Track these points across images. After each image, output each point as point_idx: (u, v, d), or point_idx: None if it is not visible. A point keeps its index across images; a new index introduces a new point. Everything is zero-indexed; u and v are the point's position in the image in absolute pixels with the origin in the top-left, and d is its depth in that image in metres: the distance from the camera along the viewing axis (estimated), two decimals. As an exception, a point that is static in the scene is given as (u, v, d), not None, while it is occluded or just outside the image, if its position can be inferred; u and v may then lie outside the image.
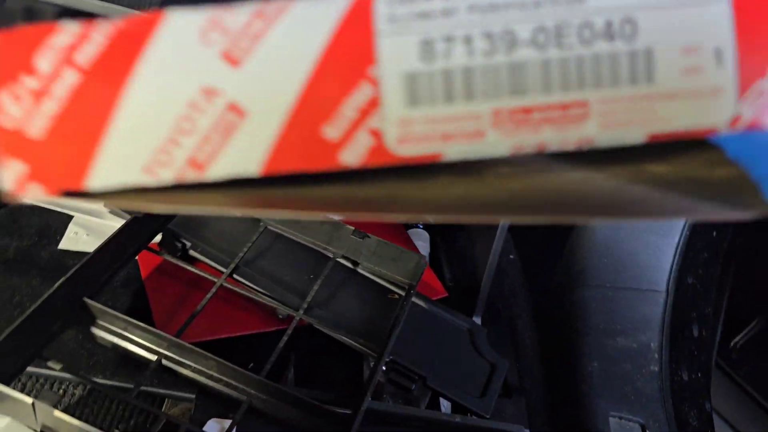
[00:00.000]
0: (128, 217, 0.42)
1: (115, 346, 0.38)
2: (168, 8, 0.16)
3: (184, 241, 0.45)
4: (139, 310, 0.43)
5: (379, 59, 0.15)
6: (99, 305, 0.37)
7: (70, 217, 0.49)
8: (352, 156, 0.15)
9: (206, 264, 0.44)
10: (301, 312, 0.41)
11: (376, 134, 0.15)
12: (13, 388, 0.34)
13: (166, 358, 0.37)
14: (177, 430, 0.35)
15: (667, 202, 0.18)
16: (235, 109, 0.15)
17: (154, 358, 0.37)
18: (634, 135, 0.15)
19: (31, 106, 0.16)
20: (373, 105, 0.15)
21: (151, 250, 0.43)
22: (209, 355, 0.36)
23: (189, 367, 0.37)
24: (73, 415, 0.33)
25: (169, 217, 0.44)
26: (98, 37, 0.15)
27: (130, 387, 0.36)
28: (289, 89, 0.15)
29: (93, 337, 0.38)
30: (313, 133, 0.15)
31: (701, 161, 0.19)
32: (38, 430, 0.35)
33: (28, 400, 0.33)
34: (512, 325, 0.49)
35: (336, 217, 0.48)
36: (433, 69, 0.15)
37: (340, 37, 0.15)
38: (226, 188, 0.16)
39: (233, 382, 0.37)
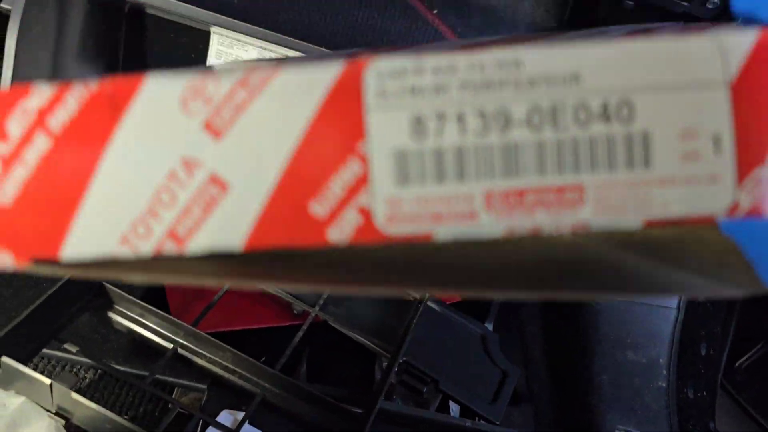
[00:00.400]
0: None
1: (131, 332, 0.38)
2: (148, 73, 0.15)
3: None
4: (155, 298, 0.43)
5: (368, 135, 0.15)
6: (117, 290, 0.37)
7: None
8: (340, 234, 0.15)
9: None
10: (317, 308, 0.41)
11: (364, 212, 0.15)
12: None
13: (182, 346, 0.37)
14: (188, 420, 0.35)
15: (659, 275, 0.18)
16: (217, 181, 0.15)
17: (169, 345, 0.37)
18: (631, 220, 0.15)
19: (0, 171, 0.15)
20: (361, 182, 0.15)
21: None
22: (225, 345, 0.36)
23: (204, 357, 0.37)
24: (87, 398, 0.33)
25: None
26: (72, 101, 0.15)
27: (144, 374, 0.36)
28: (274, 163, 0.15)
29: (108, 322, 0.39)
30: (299, 209, 0.15)
31: (695, 232, 0.19)
32: (53, 411, 0.35)
33: (46, 381, 0.33)
34: (522, 332, 0.49)
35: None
36: (423, 147, 0.15)
37: (327, 110, 0.15)
38: (207, 259, 0.16)
39: (247, 374, 0.37)
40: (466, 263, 0.18)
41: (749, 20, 0.15)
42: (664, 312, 0.47)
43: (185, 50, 0.48)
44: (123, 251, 0.15)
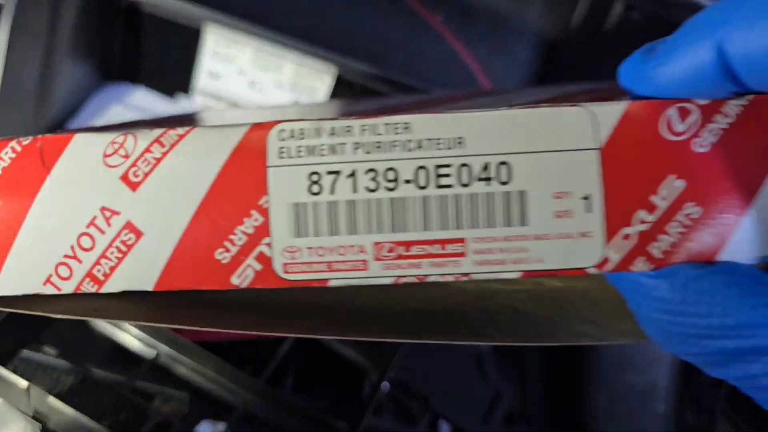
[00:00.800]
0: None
1: (112, 337, 0.37)
2: (77, 131, 0.17)
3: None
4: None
5: (269, 190, 0.16)
6: (100, 293, 0.36)
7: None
8: (242, 279, 0.16)
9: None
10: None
11: (264, 260, 0.16)
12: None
13: (164, 353, 0.36)
14: (169, 429, 0.34)
15: (552, 324, 0.19)
16: (132, 229, 0.16)
17: (151, 352, 0.36)
18: (509, 272, 0.16)
19: None
20: (262, 233, 0.16)
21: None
22: (209, 354, 0.35)
23: (186, 365, 0.36)
24: (65, 403, 0.32)
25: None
26: (6, 155, 0.17)
27: (124, 380, 0.35)
28: (183, 213, 0.16)
29: (90, 325, 0.38)
30: (205, 255, 0.16)
31: (589, 281, 0.21)
32: (30, 414, 0.34)
33: (24, 383, 0.32)
34: (519, 349, 0.48)
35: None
36: (319, 201, 0.16)
37: (233, 167, 0.16)
38: (124, 299, 0.17)
39: (230, 385, 0.36)
40: (362, 309, 0.19)
41: (630, 92, 0.17)
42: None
43: (180, 49, 0.47)
44: (47, 290, 0.17)
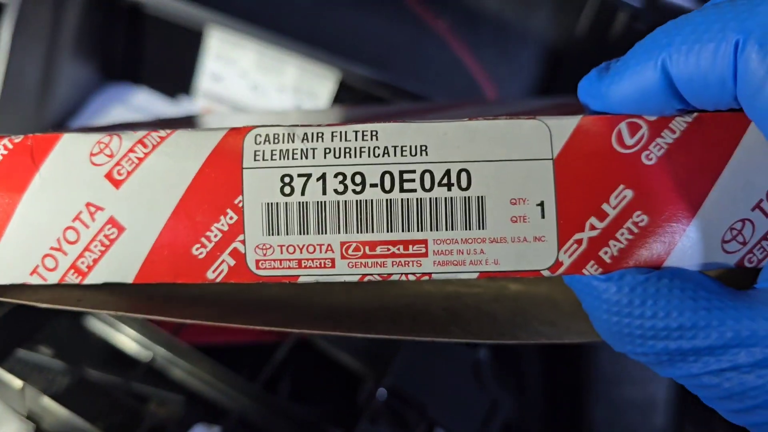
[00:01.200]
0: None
1: (109, 338, 0.37)
2: (66, 131, 0.18)
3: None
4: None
5: (243, 190, 0.17)
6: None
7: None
8: (217, 274, 0.17)
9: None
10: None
11: (238, 256, 0.17)
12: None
13: (160, 355, 0.36)
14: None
15: (514, 323, 0.20)
16: (115, 224, 0.17)
17: (147, 354, 0.36)
18: (467, 273, 0.17)
19: None
20: (236, 230, 0.17)
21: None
22: (205, 357, 0.35)
23: (182, 368, 0.36)
24: (60, 403, 0.32)
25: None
26: None
27: (120, 382, 0.35)
28: (162, 211, 0.17)
29: (87, 325, 0.37)
30: (182, 251, 0.17)
31: (551, 285, 0.22)
32: (24, 414, 0.34)
33: (18, 383, 0.32)
34: (517, 358, 0.47)
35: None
36: (290, 202, 0.17)
37: (210, 168, 0.17)
38: (105, 291, 0.18)
39: (226, 388, 0.36)
40: (333, 306, 0.20)
41: (586, 107, 0.18)
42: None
43: (182, 50, 0.47)
44: (33, 280, 0.17)
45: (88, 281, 0.17)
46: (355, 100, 0.44)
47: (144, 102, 0.48)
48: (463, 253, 0.17)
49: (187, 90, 0.48)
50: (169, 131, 0.17)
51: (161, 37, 0.47)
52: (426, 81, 0.45)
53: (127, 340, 0.37)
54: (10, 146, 0.17)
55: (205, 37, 0.46)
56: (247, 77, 0.46)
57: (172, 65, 0.48)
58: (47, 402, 0.33)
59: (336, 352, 0.39)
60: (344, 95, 0.45)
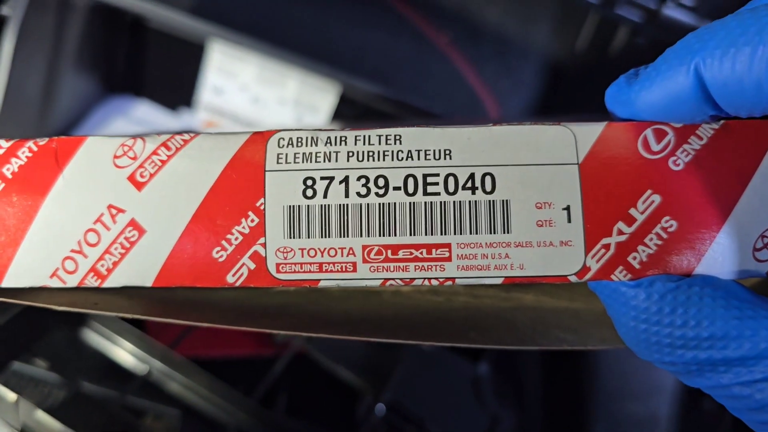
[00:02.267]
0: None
1: (105, 351, 0.37)
2: (89, 135, 0.18)
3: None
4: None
5: (266, 193, 0.17)
6: (94, 306, 0.36)
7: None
8: (237, 278, 0.17)
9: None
10: (301, 337, 0.39)
11: (258, 260, 0.17)
12: (-5, 383, 0.33)
13: (156, 369, 0.36)
14: (158, 447, 0.33)
15: (546, 332, 0.20)
16: (135, 226, 0.17)
17: (143, 367, 0.36)
18: (492, 278, 0.17)
19: None
20: (257, 233, 0.17)
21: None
22: (201, 371, 0.35)
23: (179, 382, 0.36)
24: (54, 417, 0.32)
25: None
26: (23, 154, 0.18)
27: (116, 395, 0.35)
28: (184, 213, 0.17)
29: (83, 338, 0.37)
30: (202, 254, 0.17)
31: (565, 291, 0.22)
32: (18, 428, 0.33)
33: (12, 396, 0.32)
34: (518, 374, 0.47)
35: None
36: (312, 204, 0.17)
37: (233, 171, 0.17)
38: (126, 294, 0.18)
39: (223, 403, 0.35)
40: (351, 312, 0.20)
41: (613, 114, 0.18)
42: (668, 362, 0.45)
43: (184, 63, 0.47)
44: (52, 283, 0.17)
45: (107, 284, 0.17)
46: (356, 114, 0.44)
47: (145, 114, 0.48)
48: (487, 258, 0.16)
49: (189, 103, 0.48)
50: (192, 134, 0.17)
51: (163, 50, 0.47)
52: (427, 95, 0.45)
53: (123, 353, 0.36)
54: (35, 149, 0.17)
55: (207, 50, 0.46)
56: (248, 90, 0.46)
57: (173, 78, 0.48)
58: (42, 416, 0.32)
59: (334, 366, 0.39)
60: (345, 109, 0.45)
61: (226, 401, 0.35)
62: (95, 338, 0.37)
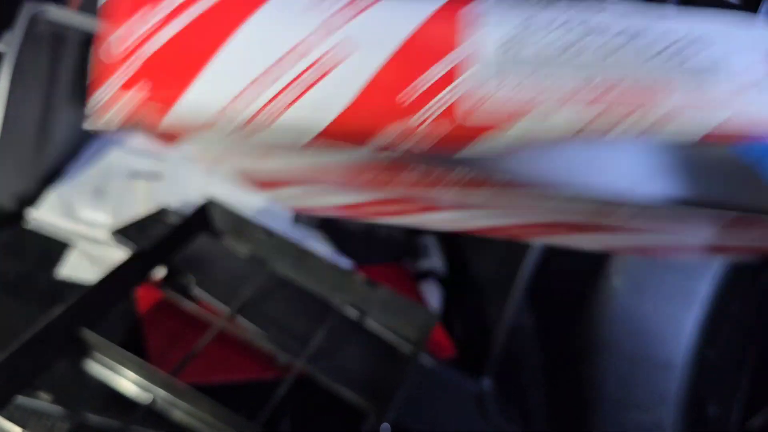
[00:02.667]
0: (132, 247, 0.41)
1: (108, 381, 0.36)
2: None
3: (188, 276, 0.44)
4: (133, 346, 0.42)
5: (469, 37, 0.16)
6: (97, 336, 0.36)
7: (71, 245, 0.48)
8: (422, 120, 0.16)
9: (208, 303, 0.43)
10: (303, 359, 0.39)
11: (447, 105, 0.16)
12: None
13: (160, 397, 0.36)
14: (163, 476, 0.33)
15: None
16: (332, 55, 0.16)
17: (146, 396, 0.36)
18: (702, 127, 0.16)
19: (158, 26, 0.18)
20: (450, 78, 0.16)
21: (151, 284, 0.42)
22: (204, 397, 0.35)
23: (182, 409, 0.36)
24: (57, 451, 0.32)
25: (174, 251, 0.43)
26: None
27: (120, 425, 0.35)
28: (384, 50, 0.16)
29: (86, 369, 0.37)
30: (389, 96, 0.16)
31: None
32: (22, 462, 0.33)
33: (17, 430, 0.32)
34: (522, 389, 0.47)
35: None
36: (529, 41, 0.16)
37: (444, 12, 0.16)
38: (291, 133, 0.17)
39: (226, 429, 0.35)
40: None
41: None
42: (671, 370, 0.44)
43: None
44: (231, 110, 0.17)
45: (284, 115, 0.16)
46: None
47: (141, 144, 0.49)
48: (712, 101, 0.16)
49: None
50: None
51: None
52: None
53: (126, 382, 0.36)
54: None
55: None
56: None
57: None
58: (46, 450, 0.32)
59: (337, 387, 0.39)
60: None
61: (230, 427, 0.35)
62: (98, 368, 0.37)
